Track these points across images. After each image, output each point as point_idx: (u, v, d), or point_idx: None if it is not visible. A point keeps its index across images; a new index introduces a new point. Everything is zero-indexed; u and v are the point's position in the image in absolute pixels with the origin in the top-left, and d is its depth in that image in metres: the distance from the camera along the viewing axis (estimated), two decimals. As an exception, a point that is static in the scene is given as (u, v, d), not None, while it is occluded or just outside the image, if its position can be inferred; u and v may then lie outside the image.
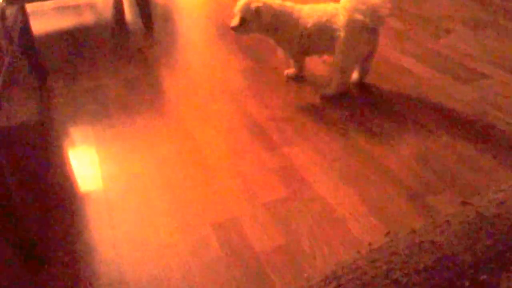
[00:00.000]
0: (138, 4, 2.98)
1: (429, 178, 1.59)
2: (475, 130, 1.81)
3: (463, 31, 2.64)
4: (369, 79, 2.20)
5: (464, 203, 0.59)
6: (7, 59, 1.67)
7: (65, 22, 3.20)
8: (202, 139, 1.89)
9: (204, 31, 2.95)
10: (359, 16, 1.93)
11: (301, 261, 1.33)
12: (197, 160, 1.77)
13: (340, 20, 1.97)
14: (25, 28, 2.34)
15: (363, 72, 2.17)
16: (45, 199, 1.65)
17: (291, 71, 2.30)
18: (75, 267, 1.38)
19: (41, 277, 1.36)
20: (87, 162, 1.82)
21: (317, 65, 2.40)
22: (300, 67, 2.27)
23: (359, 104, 2.03)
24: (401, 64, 2.33)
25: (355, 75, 2.17)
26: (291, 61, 2.28)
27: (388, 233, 0.59)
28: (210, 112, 2.07)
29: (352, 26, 1.95)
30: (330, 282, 0.55)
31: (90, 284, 1.32)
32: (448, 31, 2.65)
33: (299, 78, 2.29)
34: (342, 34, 1.96)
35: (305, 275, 1.18)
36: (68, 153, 1.88)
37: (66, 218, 1.56)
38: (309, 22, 2.05)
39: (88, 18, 3.25)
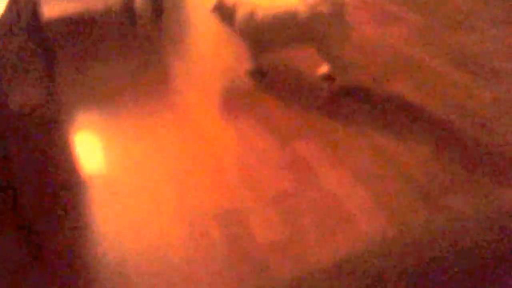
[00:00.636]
0: None
1: (444, 178, 1.52)
2: (494, 130, 1.73)
3: (486, 28, 2.55)
4: (387, 74, 2.13)
5: (481, 199, 0.53)
6: (16, 43, 1.64)
7: (75, 8, 3.17)
8: (209, 130, 1.83)
9: (214, 23, 2.90)
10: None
11: (305, 255, 1.26)
12: (203, 150, 1.72)
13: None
14: (35, 13, 2.31)
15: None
16: (49, 183, 1.61)
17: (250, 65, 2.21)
18: (76, 253, 1.34)
19: (41, 262, 1.32)
20: (92, 148, 1.77)
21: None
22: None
23: (375, 99, 1.96)
24: (422, 61, 2.25)
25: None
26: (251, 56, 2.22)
27: (402, 223, 0.53)
28: (217, 103, 2.01)
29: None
30: (342, 268, 0.49)
31: (91, 270, 1.27)
32: (470, 28, 2.56)
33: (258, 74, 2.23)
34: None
35: (317, 257, 1.12)
36: (74, 138, 1.84)
37: (69, 204, 1.51)
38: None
39: (98, 4, 3.21)
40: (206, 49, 2.52)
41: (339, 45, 1.97)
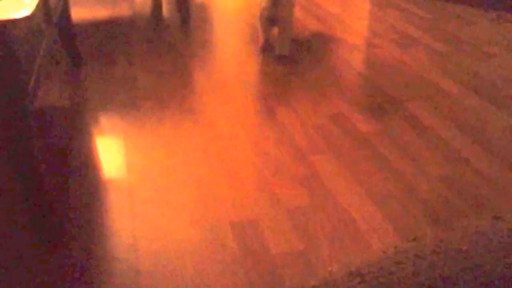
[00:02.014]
0: (177, 0, 3.02)
1: (456, 203, 1.55)
2: (508, 158, 1.76)
3: (505, 56, 2.58)
4: (405, 95, 2.17)
5: (495, 218, 0.56)
6: (45, 42, 1.70)
7: (104, 12, 3.25)
8: (228, 139, 1.88)
9: (239, 33, 2.96)
10: None
11: (317, 266, 1.30)
12: (222, 159, 1.76)
13: None
14: (65, 14, 2.38)
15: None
16: (69, 181, 1.66)
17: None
18: (93, 250, 1.38)
19: (58, 256, 1.36)
20: (114, 150, 1.82)
21: (346, 73, 2.37)
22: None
23: (391, 120, 2.00)
24: (439, 85, 2.29)
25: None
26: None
27: (414, 238, 0.57)
28: (238, 112, 2.06)
29: None
30: (354, 278, 0.53)
31: (106, 268, 1.32)
32: (489, 55, 2.60)
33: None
34: None
35: (329, 268, 1.15)
36: (96, 140, 1.89)
37: (88, 202, 1.56)
38: None
39: (126, 9, 3.29)
40: (230, 60, 2.58)
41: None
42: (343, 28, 2.99)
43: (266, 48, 2.69)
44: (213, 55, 2.63)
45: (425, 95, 2.20)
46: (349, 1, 3.52)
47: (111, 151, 1.82)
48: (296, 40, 2.81)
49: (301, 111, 2.07)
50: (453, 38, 2.82)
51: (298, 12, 3.27)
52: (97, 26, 3.02)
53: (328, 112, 2.06)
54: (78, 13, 3.20)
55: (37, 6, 1.28)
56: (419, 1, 3.46)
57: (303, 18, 3.05)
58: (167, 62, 2.52)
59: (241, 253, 1.36)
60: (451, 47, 2.71)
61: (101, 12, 3.25)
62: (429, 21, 3.10)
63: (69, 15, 2.43)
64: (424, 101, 2.14)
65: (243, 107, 2.11)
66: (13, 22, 1.21)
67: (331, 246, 1.38)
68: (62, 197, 1.59)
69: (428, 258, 0.48)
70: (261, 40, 2.67)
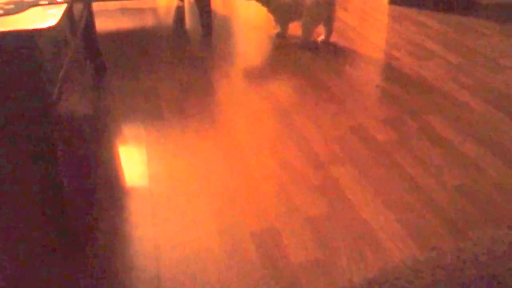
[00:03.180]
0: (200, 12, 3.07)
1: (473, 213, 1.56)
2: (527, 170, 1.77)
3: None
4: (422, 106, 2.19)
5: (511, 228, 0.59)
6: (70, 52, 1.75)
7: (128, 23, 3.32)
8: (249, 149, 1.92)
9: (261, 45, 3.00)
10: None
11: (336, 276, 1.33)
12: (242, 169, 1.80)
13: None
14: (90, 25, 2.45)
15: (327, 33, 2.99)
16: (92, 189, 1.71)
17: (278, 30, 3.13)
18: (114, 258, 1.42)
19: (79, 263, 1.40)
20: (136, 159, 1.87)
21: (365, 85, 2.40)
22: (285, 28, 3.12)
23: (409, 131, 2.02)
24: (456, 97, 2.31)
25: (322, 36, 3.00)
26: (278, 24, 3.11)
27: (433, 248, 0.59)
28: (259, 123, 2.10)
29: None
30: (373, 286, 0.56)
31: (127, 276, 1.36)
32: (505, 68, 2.61)
33: (282, 36, 3.11)
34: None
35: (348, 277, 1.18)
36: (119, 149, 1.94)
37: (110, 211, 1.61)
38: None
39: (150, 21, 3.36)
40: (251, 71, 2.62)
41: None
42: (361, 41, 3.03)
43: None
44: (235, 67, 2.67)
45: (442, 106, 2.22)
46: (367, 14, 3.55)
47: (134, 159, 1.87)
48: (315, 52, 2.85)
49: (321, 122, 2.10)
50: (469, 51, 2.84)
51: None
52: (121, 37, 3.09)
53: (347, 123, 2.09)
54: (103, 24, 3.28)
55: (62, 16, 1.32)
56: (435, 15, 3.48)
57: (321, 30, 3.08)
58: (189, 73, 2.58)
59: (261, 262, 1.39)
60: (467, 59, 2.72)
61: (125, 23, 3.32)
62: (445, 34, 3.12)
63: (94, 26, 2.49)
64: (441, 113, 2.16)
65: (263, 117, 2.15)
66: (39, 32, 1.25)
67: (350, 255, 1.40)
68: (84, 204, 1.64)
69: (447, 268, 0.51)
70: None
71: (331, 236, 1.48)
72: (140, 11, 3.57)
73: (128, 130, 2.07)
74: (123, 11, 3.56)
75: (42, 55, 1.30)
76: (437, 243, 1.44)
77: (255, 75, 2.58)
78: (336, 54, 2.83)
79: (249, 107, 2.24)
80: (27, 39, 1.24)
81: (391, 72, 2.58)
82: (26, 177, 1.78)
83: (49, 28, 1.24)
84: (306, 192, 1.67)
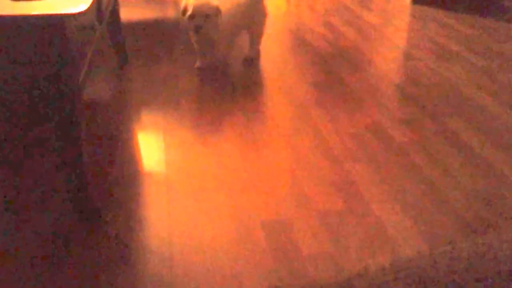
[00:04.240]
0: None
1: (488, 217, 1.56)
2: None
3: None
4: (442, 108, 2.18)
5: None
6: (96, 39, 1.78)
7: (150, 14, 3.35)
8: (264, 141, 1.93)
9: (282, 40, 3.01)
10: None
11: (346, 269, 1.33)
12: (257, 160, 1.81)
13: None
14: (115, 14, 2.47)
15: (251, 48, 2.73)
16: (110, 172, 1.73)
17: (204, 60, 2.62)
18: (128, 238, 1.44)
19: (95, 240, 1.43)
20: (154, 146, 1.89)
21: (384, 84, 2.39)
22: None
23: (427, 132, 2.02)
24: (476, 99, 2.29)
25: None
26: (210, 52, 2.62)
27: (450, 242, 0.60)
28: (276, 117, 2.11)
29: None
30: (388, 273, 0.56)
31: (141, 258, 1.38)
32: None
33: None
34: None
35: (363, 264, 1.18)
36: (138, 135, 1.97)
37: (127, 193, 1.63)
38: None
39: (171, 13, 3.38)
40: (271, 66, 2.63)
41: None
42: (382, 39, 3.02)
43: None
44: (255, 60, 2.68)
45: (462, 109, 2.20)
46: (389, 13, 3.53)
47: (151, 146, 1.89)
48: (334, 48, 2.85)
49: (338, 118, 2.10)
50: (492, 54, 2.81)
51: (337, 21, 3.31)
52: (144, 26, 3.11)
53: (365, 121, 2.09)
54: (127, 14, 3.31)
55: (93, 3, 1.35)
56: (459, 16, 3.45)
57: (342, 28, 3.09)
58: (208, 63, 2.59)
59: (271, 251, 1.40)
60: (490, 62, 2.70)
61: (148, 14, 3.35)
62: (470, 36, 3.09)
63: (119, 15, 2.52)
64: (460, 115, 2.15)
65: (280, 111, 2.16)
66: (70, 16, 1.27)
67: (361, 250, 1.41)
68: (103, 186, 1.66)
69: (464, 261, 0.51)
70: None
71: (343, 230, 1.48)
72: (163, 3, 3.60)
73: (147, 117, 2.09)
74: (147, 2, 3.59)
75: (70, 40, 1.32)
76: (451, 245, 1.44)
77: (274, 69, 2.59)
78: (355, 51, 2.82)
79: (267, 100, 2.25)
80: (57, 23, 1.26)
81: (412, 72, 2.57)
82: (51, 160, 1.81)
83: (79, 13, 1.26)
84: (319, 186, 1.68)
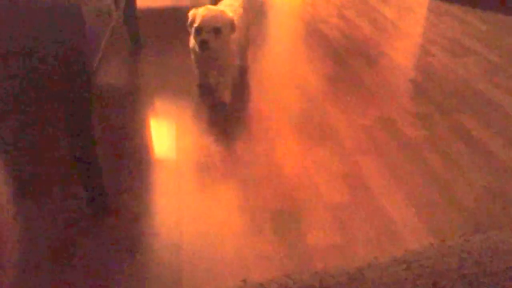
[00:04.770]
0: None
1: (498, 215, 1.55)
2: (556, 175, 1.74)
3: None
4: (454, 104, 2.17)
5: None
6: (112, 24, 1.78)
7: (167, 1, 3.35)
8: (275, 130, 1.93)
9: (295, 30, 3.00)
10: None
11: (353, 261, 1.33)
12: (267, 151, 1.81)
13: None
14: (131, 0, 2.48)
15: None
16: (121, 158, 1.75)
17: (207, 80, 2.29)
18: (137, 224, 1.46)
19: (105, 226, 1.44)
20: (165, 133, 1.90)
21: (397, 78, 2.38)
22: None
23: (438, 128, 2.00)
24: (490, 97, 2.27)
25: None
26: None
27: (463, 235, 0.60)
28: (286, 108, 2.11)
29: None
30: (399, 264, 0.57)
31: (150, 242, 1.39)
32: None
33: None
34: None
35: (372, 255, 1.18)
36: (150, 121, 1.98)
37: (137, 179, 1.64)
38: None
39: (187, 1, 3.38)
40: (283, 57, 2.63)
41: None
42: (397, 33, 3.00)
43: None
44: (267, 49, 2.68)
45: (475, 106, 2.19)
46: (406, 6, 3.50)
47: (163, 133, 1.90)
48: (349, 41, 2.84)
49: (350, 111, 2.10)
50: (509, 51, 2.78)
51: (353, 14, 3.29)
52: (159, 14, 3.11)
53: (376, 115, 2.08)
54: (143, 0, 3.31)
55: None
56: (477, 12, 3.41)
57: (358, 21, 3.07)
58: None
59: (278, 241, 1.41)
60: (506, 59, 2.67)
61: (164, 1, 3.35)
62: (486, 32, 3.06)
63: (135, 1, 2.52)
64: (473, 112, 2.13)
65: (292, 102, 2.15)
66: (86, 0, 1.28)
67: (368, 243, 1.41)
68: (114, 173, 1.68)
69: (475, 255, 0.51)
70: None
71: (351, 223, 1.49)
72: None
73: (160, 104, 2.10)
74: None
75: (86, 24, 1.32)
76: (458, 240, 1.43)
77: (287, 59, 2.58)
78: (370, 44, 2.80)
79: (279, 91, 2.24)
80: (73, 7, 1.27)
81: (426, 67, 2.55)
82: (62, 143, 1.83)
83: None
84: (329, 178, 1.68)
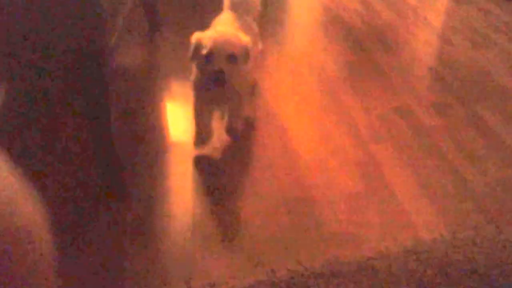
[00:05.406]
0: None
1: (510, 206, 1.54)
2: None
3: None
4: (472, 95, 2.14)
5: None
6: (130, 2, 1.78)
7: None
8: (291, 116, 1.93)
9: (315, 16, 2.97)
10: None
11: (367, 248, 1.34)
12: (282, 136, 1.81)
13: None
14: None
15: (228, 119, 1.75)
16: (137, 140, 1.76)
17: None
18: (153, 205, 1.47)
19: (119, 208, 1.46)
20: (181, 116, 1.91)
21: (416, 66, 2.35)
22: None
23: (456, 118, 1.98)
24: (509, 89, 2.24)
25: None
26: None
27: (475, 226, 0.59)
28: (303, 93, 2.10)
29: None
30: (409, 255, 0.57)
31: (163, 225, 1.41)
32: None
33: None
34: None
35: (384, 244, 1.19)
36: (166, 104, 1.98)
37: (152, 161, 1.66)
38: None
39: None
40: (302, 41, 2.61)
41: None
42: (417, 20, 2.95)
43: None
44: (286, 33, 2.66)
45: (495, 98, 2.16)
46: (428, -6, 3.45)
47: (179, 115, 1.91)
48: (369, 27, 2.80)
49: (366, 98, 2.08)
50: (532, 43, 2.73)
51: (372, 0, 3.24)
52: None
53: (393, 103, 2.06)
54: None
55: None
56: (502, 3, 3.35)
57: (378, 6, 3.02)
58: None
59: (291, 228, 1.42)
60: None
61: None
62: (508, 23, 3.00)
63: (152, -19, 2.51)
64: (491, 103, 2.11)
65: (309, 88, 2.14)
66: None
67: (381, 232, 1.41)
68: (129, 154, 1.69)
69: (486, 249, 0.51)
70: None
71: (364, 211, 1.49)
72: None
73: (176, 86, 2.10)
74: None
75: (103, 2, 1.33)
76: (472, 233, 1.43)
77: (304, 45, 2.56)
78: (389, 31, 2.77)
79: (296, 76, 2.23)
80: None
81: (445, 56, 2.52)
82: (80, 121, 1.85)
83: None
84: (343, 166, 1.68)
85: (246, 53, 1.56)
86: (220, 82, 1.50)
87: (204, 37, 1.56)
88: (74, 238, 1.35)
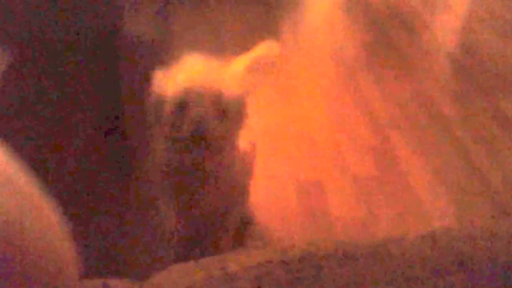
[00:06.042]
0: None
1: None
2: None
3: None
4: (496, 86, 2.07)
5: None
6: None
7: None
8: (307, 99, 1.88)
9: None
10: None
11: (374, 234, 1.31)
12: (297, 118, 1.77)
13: None
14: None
15: None
16: (144, 115, 1.73)
17: None
18: (157, 182, 1.44)
19: (129, 185, 1.44)
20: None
21: (438, 54, 2.29)
22: None
23: (475, 108, 1.92)
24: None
25: None
26: None
27: (493, 217, 0.56)
28: (321, 75, 2.05)
29: None
30: (426, 241, 0.53)
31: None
32: None
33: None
34: None
35: (395, 232, 1.16)
36: (179, 77, 1.94)
37: (160, 138, 1.62)
38: None
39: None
40: (321, 24, 2.55)
41: None
42: (442, 6, 2.87)
43: None
44: (306, 16, 2.60)
45: (515, 89, 2.09)
46: (453, -20, 3.36)
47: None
48: (390, 9, 2.73)
49: (385, 83, 2.03)
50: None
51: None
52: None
53: (413, 89, 2.01)
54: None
55: None
56: (529, -9, 3.24)
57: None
58: (259, 14, 2.52)
59: (301, 210, 1.39)
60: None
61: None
62: (536, 13, 2.91)
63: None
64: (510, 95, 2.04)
65: (327, 71, 2.09)
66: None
67: (392, 219, 1.38)
68: (137, 130, 1.66)
69: (503, 240, 0.48)
70: None
71: (376, 197, 1.45)
72: None
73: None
74: None
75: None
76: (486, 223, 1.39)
77: (323, 26, 2.50)
78: (413, 15, 2.70)
79: (314, 59, 2.18)
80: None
81: (469, 44, 2.45)
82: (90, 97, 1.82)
83: None
84: (358, 151, 1.64)
85: (240, 110, 1.04)
86: (201, 139, 0.95)
87: (176, 82, 1.00)
88: (80, 210, 1.33)
